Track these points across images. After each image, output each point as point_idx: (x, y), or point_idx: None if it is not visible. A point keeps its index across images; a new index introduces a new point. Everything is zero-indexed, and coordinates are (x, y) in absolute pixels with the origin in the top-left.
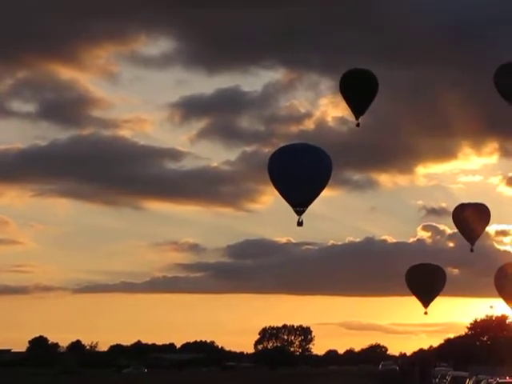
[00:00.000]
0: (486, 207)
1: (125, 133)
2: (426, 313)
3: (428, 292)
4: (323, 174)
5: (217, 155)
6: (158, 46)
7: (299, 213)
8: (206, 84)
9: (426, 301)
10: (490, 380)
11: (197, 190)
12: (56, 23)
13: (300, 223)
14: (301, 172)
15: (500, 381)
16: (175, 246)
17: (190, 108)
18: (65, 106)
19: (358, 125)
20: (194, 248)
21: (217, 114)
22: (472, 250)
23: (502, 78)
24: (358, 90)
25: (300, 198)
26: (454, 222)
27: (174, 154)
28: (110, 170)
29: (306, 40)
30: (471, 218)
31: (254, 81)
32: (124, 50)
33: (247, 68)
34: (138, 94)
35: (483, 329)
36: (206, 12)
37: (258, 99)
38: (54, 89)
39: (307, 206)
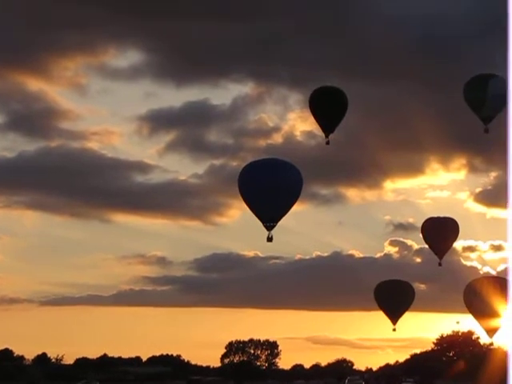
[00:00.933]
0: (455, 221)
1: (93, 145)
2: (394, 329)
3: (397, 309)
4: (294, 189)
5: (185, 168)
6: (127, 58)
7: (269, 228)
8: (174, 97)
9: (394, 317)
10: None
11: (164, 203)
12: (24, 34)
13: (270, 239)
14: (271, 188)
15: None
16: (142, 259)
17: (159, 121)
18: (33, 118)
19: (327, 142)
20: (161, 261)
21: (185, 126)
22: (440, 264)
23: (471, 91)
24: (327, 109)
25: (270, 213)
26: (423, 235)
27: (142, 167)
28: (77, 182)
29: (275, 53)
30: (440, 231)
31: (222, 94)
32: (93, 62)
33: (216, 81)
34: (106, 106)
35: (449, 344)
36: (175, 25)
37: (227, 112)
38: (21, 100)
39: (277, 222)
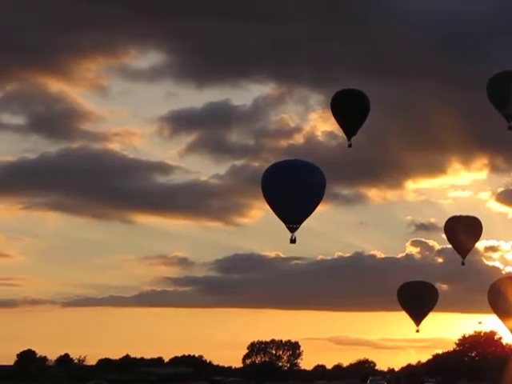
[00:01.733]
0: (478, 220)
1: (114, 146)
2: (417, 331)
3: (420, 310)
4: (317, 191)
5: (206, 169)
6: (148, 59)
7: (292, 230)
8: (195, 97)
9: (418, 319)
10: None
11: (186, 204)
12: (46, 36)
13: (293, 240)
14: (294, 189)
15: None
16: (164, 260)
17: (180, 121)
18: (54, 119)
19: (349, 145)
20: (183, 262)
21: (206, 127)
22: (463, 264)
23: (495, 88)
24: (349, 112)
25: (293, 215)
26: (446, 234)
27: (163, 168)
28: (99, 184)
29: (296, 54)
30: (463, 230)
31: (243, 94)
32: (114, 63)
33: (237, 82)
34: (127, 107)
35: (471, 345)
36: (196, 25)
37: (248, 113)
38: (43, 102)
39: (300, 224)
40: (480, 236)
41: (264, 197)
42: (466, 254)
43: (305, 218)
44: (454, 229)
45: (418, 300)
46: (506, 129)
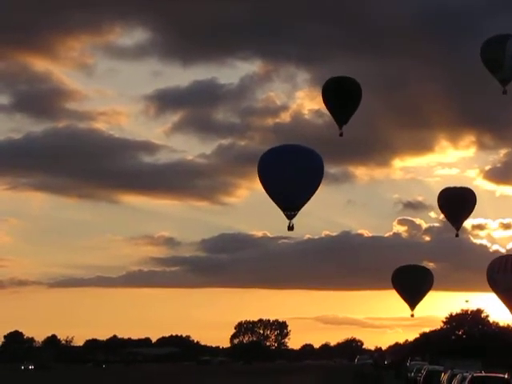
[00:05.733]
0: (472, 191)
1: (100, 125)
2: (412, 315)
3: (416, 296)
4: (315, 178)
5: (192, 148)
6: (133, 37)
7: (290, 217)
8: (181, 76)
9: (413, 304)
10: (465, 374)
11: (172, 184)
12: (30, 15)
13: (291, 228)
14: (293, 176)
15: (475, 375)
16: (150, 240)
17: (166, 100)
18: (39, 99)
19: (341, 134)
20: (170, 242)
21: (192, 106)
22: (457, 235)
23: (489, 51)
24: (341, 102)
25: (291, 202)
26: (440, 205)
27: (149, 147)
28: (84, 163)
29: (283, 32)
30: (457, 201)
31: (230, 73)
32: (99, 42)
33: (223, 60)
34: (112, 86)
35: (459, 323)
36: (182, 3)
37: (234, 91)
38: (28, 81)
39: (298, 210)
40: (474, 207)
41: (261, 183)
42: (459, 225)
43: (302, 205)
44: (448, 200)
45: (413, 286)
46: (493, 106)
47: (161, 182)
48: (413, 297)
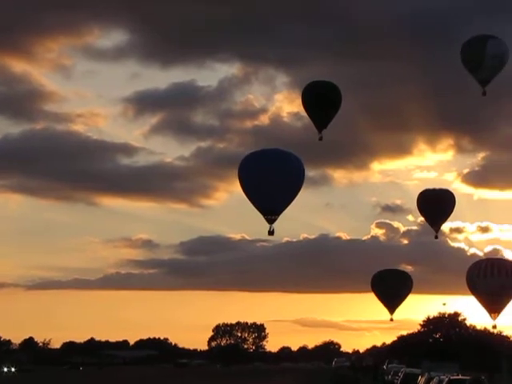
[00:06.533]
0: (451, 192)
1: (78, 127)
2: (392, 319)
3: (395, 300)
4: (296, 182)
5: (171, 150)
6: (112, 38)
7: (271, 221)
8: (160, 78)
9: (392, 308)
10: (442, 377)
11: (150, 186)
12: (8, 16)
13: (271, 232)
14: (273, 181)
15: (452, 378)
16: (128, 243)
17: (144, 102)
18: (17, 100)
19: (320, 138)
20: (148, 244)
21: (171, 108)
22: (436, 237)
23: (469, 51)
24: (321, 107)
25: (272, 207)
26: (419, 207)
27: (128, 149)
28: (62, 165)
29: (262, 34)
30: (436, 202)
31: (209, 75)
32: (77, 43)
33: (202, 62)
34: (91, 87)
35: (436, 326)
36: (161, 4)
37: (213, 94)
38: (5, 82)
39: (279, 215)
40: (453, 208)
41: (242, 188)
42: (439, 227)
43: (283, 210)
44: (427, 201)
45: (393, 291)
46: (471, 110)
47: (139, 184)
48: (392, 301)
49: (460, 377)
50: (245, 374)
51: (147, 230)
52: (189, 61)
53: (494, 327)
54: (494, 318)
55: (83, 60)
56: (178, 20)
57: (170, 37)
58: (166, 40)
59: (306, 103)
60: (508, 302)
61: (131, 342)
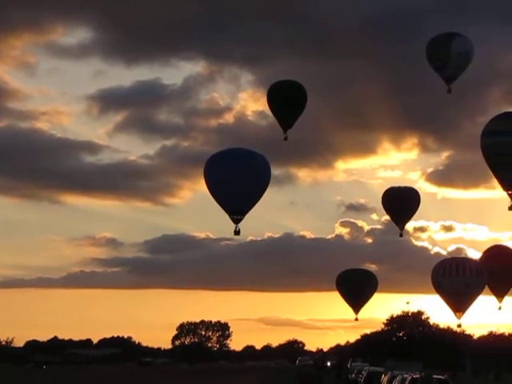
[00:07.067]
0: (416, 190)
1: (42, 125)
2: (356, 319)
3: (360, 299)
4: (262, 182)
5: (135, 149)
6: (76, 36)
7: (237, 221)
8: (124, 76)
9: (357, 308)
10: (405, 375)
11: (114, 184)
12: None
13: (237, 232)
14: (240, 180)
15: (415, 376)
16: (92, 241)
17: (108, 100)
18: None
19: (285, 138)
20: (112, 243)
21: (135, 106)
22: (401, 235)
23: (434, 49)
24: (286, 107)
25: (238, 206)
26: (384, 205)
27: (92, 147)
28: (26, 163)
29: (227, 32)
30: (401, 200)
31: (173, 73)
32: (41, 41)
33: (167, 60)
34: (55, 85)
35: (399, 324)
36: (126, 2)
37: (178, 92)
38: None
39: (245, 215)
40: (418, 206)
41: (207, 188)
42: (403, 225)
43: (249, 210)
44: (392, 199)
45: (358, 290)
46: (436, 109)
47: (103, 182)
48: (357, 301)
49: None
50: (209, 373)
51: (111, 228)
52: (153, 59)
53: (459, 326)
54: (459, 317)
55: (47, 57)
56: (142, 18)
57: (134, 34)
58: (130, 38)
59: (271, 103)
60: (472, 301)
61: (95, 341)
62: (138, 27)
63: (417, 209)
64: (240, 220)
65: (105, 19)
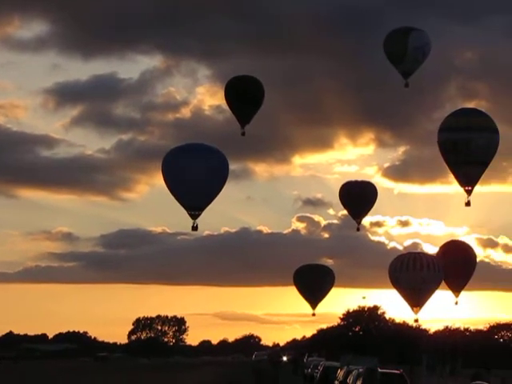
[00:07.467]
0: (373, 184)
1: None
2: (314, 314)
3: (317, 295)
4: (220, 177)
5: (91, 143)
6: (32, 29)
7: (194, 217)
8: (81, 70)
9: (314, 303)
10: (360, 370)
11: (70, 179)
12: None
13: (195, 228)
14: (197, 176)
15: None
16: (48, 235)
17: (65, 94)
18: None
19: (243, 134)
20: (68, 237)
21: (92, 100)
22: (358, 230)
23: (392, 43)
24: (243, 101)
25: (195, 202)
26: (341, 198)
27: (48, 141)
28: None
29: (184, 26)
30: (358, 194)
31: (130, 67)
32: None
33: (124, 54)
34: (11, 79)
35: (355, 319)
36: None
37: (134, 86)
38: None
39: (203, 210)
40: (375, 200)
41: (165, 183)
42: (361, 219)
43: (207, 205)
44: (350, 193)
45: (315, 286)
46: (392, 104)
47: (59, 176)
48: (314, 296)
49: (378, 370)
50: (164, 368)
51: (67, 222)
52: (110, 53)
53: (416, 321)
54: (416, 312)
55: (3, 51)
56: (99, 11)
57: (91, 28)
58: (87, 31)
59: (228, 100)
60: (429, 296)
61: (50, 336)
62: (95, 21)
63: (374, 202)
64: (198, 216)
65: (62, 13)
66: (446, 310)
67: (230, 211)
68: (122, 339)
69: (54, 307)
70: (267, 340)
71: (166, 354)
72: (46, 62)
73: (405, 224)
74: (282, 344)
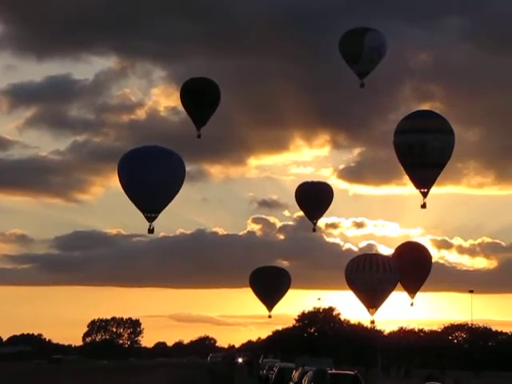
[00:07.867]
0: (329, 185)
1: None
2: (270, 316)
3: (273, 297)
4: (177, 180)
5: (46, 144)
6: None
7: (151, 219)
8: (35, 71)
9: (270, 305)
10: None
11: (25, 180)
12: None
13: (151, 230)
14: (155, 179)
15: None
16: (2, 237)
17: (19, 95)
18: None
19: (199, 136)
20: (22, 239)
21: (46, 102)
22: (314, 230)
23: (347, 43)
24: (199, 104)
25: (152, 205)
26: (297, 200)
27: (2, 143)
28: None
29: (139, 28)
30: (315, 195)
31: (85, 68)
32: None
33: (79, 55)
34: None
35: (311, 321)
36: None
37: (89, 87)
38: None
39: (159, 213)
40: (331, 200)
41: (121, 186)
42: (317, 220)
43: (163, 208)
44: (306, 193)
45: (271, 288)
46: (347, 106)
47: (13, 178)
48: (270, 299)
49: (333, 371)
50: (119, 370)
51: (21, 224)
52: (65, 54)
53: (373, 322)
54: (372, 314)
55: None
56: (54, 12)
57: (45, 29)
58: (41, 32)
59: (184, 102)
60: (385, 297)
61: (4, 338)
62: (50, 22)
63: (330, 202)
64: (154, 218)
65: (15, 13)
66: (401, 311)
67: (186, 213)
68: (77, 341)
69: (8, 309)
70: (223, 342)
71: (121, 355)
72: (0, 63)
73: (360, 225)
74: (237, 346)
